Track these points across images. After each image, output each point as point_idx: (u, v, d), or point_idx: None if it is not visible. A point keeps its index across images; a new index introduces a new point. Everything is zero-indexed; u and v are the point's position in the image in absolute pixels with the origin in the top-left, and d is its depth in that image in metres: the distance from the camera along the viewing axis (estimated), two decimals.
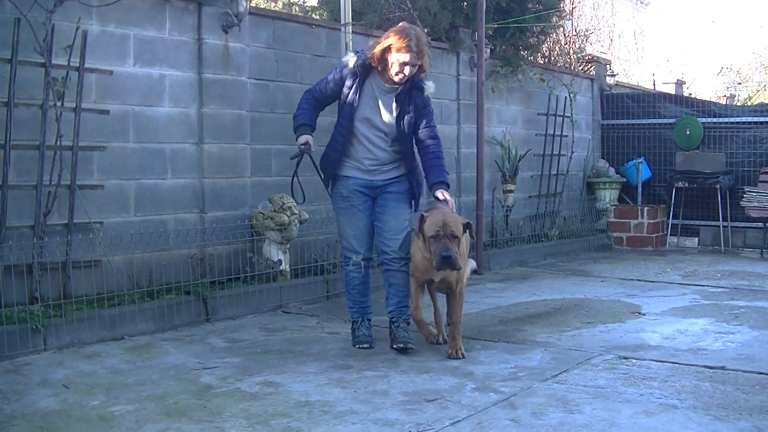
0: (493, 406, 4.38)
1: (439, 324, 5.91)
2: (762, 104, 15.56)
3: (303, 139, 5.68)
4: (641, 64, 22.41)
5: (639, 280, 8.92)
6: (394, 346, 5.53)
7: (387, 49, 5.42)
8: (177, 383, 4.84)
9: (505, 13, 10.62)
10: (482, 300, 7.61)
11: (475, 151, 9.61)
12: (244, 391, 4.67)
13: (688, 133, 12.35)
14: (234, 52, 7.36)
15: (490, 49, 10.30)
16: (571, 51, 13.71)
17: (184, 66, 7.01)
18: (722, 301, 7.54)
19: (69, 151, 6.12)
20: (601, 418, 4.15)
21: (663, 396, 4.53)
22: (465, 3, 10.24)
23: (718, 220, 11.78)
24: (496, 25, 10.47)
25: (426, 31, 9.52)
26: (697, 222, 12.21)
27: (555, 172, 11.87)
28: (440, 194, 5.52)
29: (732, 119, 12.20)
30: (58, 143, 5.97)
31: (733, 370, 5.08)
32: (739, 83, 25.45)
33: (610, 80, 13.53)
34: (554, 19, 11.86)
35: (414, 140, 5.68)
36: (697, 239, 12.20)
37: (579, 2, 15.81)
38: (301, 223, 7.46)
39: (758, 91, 24.46)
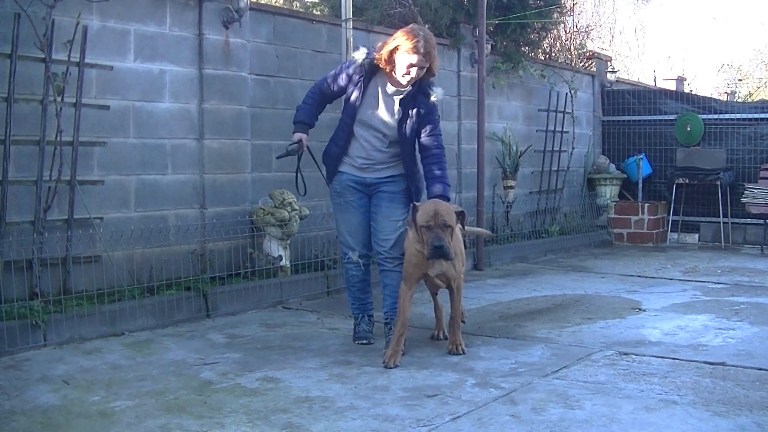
0: (494, 402, 4.38)
1: (440, 319, 5.88)
2: (763, 101, 15.51)
3: (296, 137, 5.66)
4: (642, 61, 22.38)
5: (639, 276, 8.92)
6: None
7: (395, 50, 5.29)
8: (177, 379, 4.84)
9: (506, 9, 10.62)
10: (482, 296, 7.61)
11: (476, 147, 9.61)
12: (245, 387, 4.67)
13: (688, 129, 12.34)
14: (234, 47, 7.35)
15: (491, 45, 10.30)
16: (572, 47, 13.70)
17: (184, 61, 7.00)
18: (722, 297, 7.54)
19: (69, 146, 6.11)
20: (602, 414, 4.16)
21: (663, 392, 4.53)
22: None
23: (719, 217, 11.78)
24: (497, 21, 10.47)
25: (427, 27, 9.51)
26: (697, 218, 12.21)
27: (556, 168, 11.86)
28: None
29: (733, 116, 12.19)
30: (59, 138, 5.97)
31: (733, 366, 5.08)
32: (740, 80, 25.41)
33: (610, 76, 13.51)
34: (555, 15, 11.87)
35: (418, 145, 5.57)
36: (697, 235, 12.20)
37: None
38: (301, 219, 7.45)
39: (759, 87, 24.42)
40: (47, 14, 5.84)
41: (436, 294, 5.81)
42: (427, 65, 5.33)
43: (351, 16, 8.25)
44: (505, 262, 9.94)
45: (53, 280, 6.04)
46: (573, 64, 13.11)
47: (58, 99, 5.96)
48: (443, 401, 4.40)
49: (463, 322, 5.79)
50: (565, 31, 13.85)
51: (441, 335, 5.79)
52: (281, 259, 7.34)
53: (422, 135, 5.50)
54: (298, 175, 5.79)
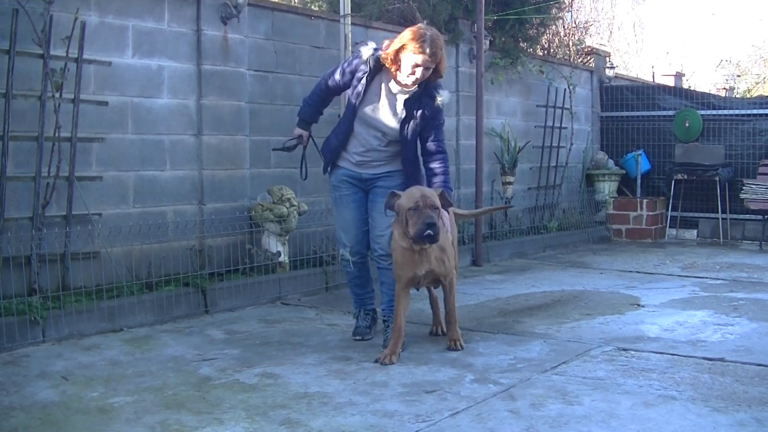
0: (493, 398, 4.38)
1: (437, 314, 5.85)
2: (761, 96, 15.53)
3: (296, 132, 5.78)
4: (640, 57, 22.39)
5: (638, 272, 8.92)
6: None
7: (400, 49, 5.18)
8: (176, 375, 4.84)
9: (505, 5, 10.61)
10: (481, 292, 7.61)
11: (475, 143, 9.61)
12: (243, 383, 4.67)
13: (687, 125, 12.34)
14: (233, 43, 7.34)
15: (490, 40, 10.28)
16: (571, 43, 13.72)
17: (183, 57, 6.99)
18: (721, 293, 7.54)
19: (67, 142, 6.10)
20: (600, 410, 4.16)
21: (662, 387, 4.54)
22: None
23: (717, 213, 11.78)
24: (495, 17, 10.46)
25: (425, 22, 9.49)
26: (696, 214, 12.21)
27: (554, 164, 11.86)
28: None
29: (731, 111, 12.19)
30: (57, 134, 5.96)
31: (732, 361, 5.08)
32: (739, 76, 25.39)
33: (609, 72, 13.51)
34: (554, 10, 11.86)
35: (420, 149, 5.51)
36: (696, 231, 12.20)
37: None
38: (300, 215, 7.45)
39: (757, 83, 24.41)
40: (45, 10, 5.82)
41: (434, 288, 5.79)
42: (433, 66, 5.23)
43: (349, 12, 8.24)
44: (504, 258, 9.94)
45: (52, 276, 6.03)
46: (571, 59, 13.11)
47: (57, 95, 5.95)
48: (442, 397, 4.40)
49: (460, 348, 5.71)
50: (564, 27, 13.86)
51: (439, 331, 5.78)
52: (280, 255, 7.34)
53: (426, 139, 5.43)
54: (303, 161, 5.88)
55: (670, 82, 16.09)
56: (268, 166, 7.76)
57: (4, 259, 5.67)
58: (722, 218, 11.75)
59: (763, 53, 25.35)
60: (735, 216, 11.78)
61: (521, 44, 11.35)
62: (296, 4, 10.74)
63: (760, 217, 11.28)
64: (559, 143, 11.89)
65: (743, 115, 12.06)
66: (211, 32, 7.16)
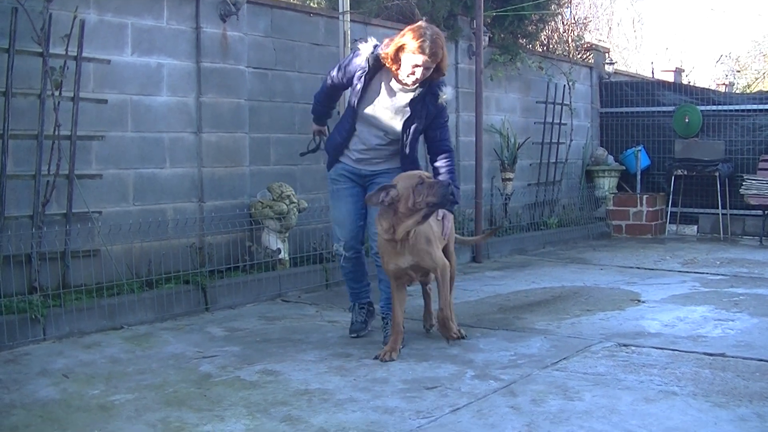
0: (493, 394, 4.38)
1: (427, 305, 5.79)
2: (761, 92, 15.51)
3: (315, 128, 5.88)
4: (640, 52, 22.38)
5: (638, 267, 8.92)
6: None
7: (400, 48, 5.09)
8: (176, 372, 4.84)
9: (504, 1, 10.60)
10: (481, 288, 7.61)
11: (474, 139, 9.61)
12: (244, 380, 4.67)
13: (687, 120, 12.34)
14: (232, 40, 7.34)
15: (489, 37, 10.28)
16: (570, 39, 13.70)
17: (182, 55, 6.99)
18: (722, 288, 7.54)
19: (67, 140, 6.10)
20: (601, 405, 4.16)
21: (663, 383, 4.54)
22: None
23: (717, 208, 11.78)
24: (494, 13, 10.45)
25: (425, 18, 9.47)
26: (696, 210, 12.21)
27: (554, 161, 11.86)
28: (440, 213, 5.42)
29: (731, 107, 12.19)
30: (57, 133, 5.96)
31: (732, 356, 5.08)
32: (738, 71, 25.38)
33: (608, 68, 13.50)
34: (553, 7, 11.85)
35: (427, 147, 5.48)
36: (696, 227, 12.20)
37: None
38: (299, 212, 7.45)
39: (757, 78, 24.40)
40: (44, 8, 5.82)
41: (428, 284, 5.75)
42: (434, 66, 5.14)
43: (348, 9, 8.23)
44: (504, 254, 9.94)
45: (52, 274, 6.03)
46: (571, 55, 13.10)
47: (56, 93, 5.95)
48: (443, 393, 4.40)
49: (463, 337, 5.63)
50: (563, 23, 13.84)
51: (428, 326, 5.74)
52: (280, 252, 7.34)
53: (432, 138, 5.39)
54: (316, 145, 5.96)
55: (670, 77, 16.06)
56: (267, 163, 7.76)
57: (4, 257, 5.66)
58: (722, 214, 11.74)
59: (763, 48, 25.34)
60: (735, 211, 11.78)
61: (520, 40, 11.33)
62: (295, 1, 10.73)
63: (760, 212, 11.28)
64: (558, 139, 11.89)
65: (743, 111, 12.06)
66: (210, 30, 7.15)
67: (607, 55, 13.87)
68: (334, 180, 5.58)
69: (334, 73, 5.48)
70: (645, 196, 11.97)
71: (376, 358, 5.08)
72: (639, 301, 6.99)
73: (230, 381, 4.66)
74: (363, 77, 5.27)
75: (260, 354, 5.24)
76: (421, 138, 5.47)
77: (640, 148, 12.52)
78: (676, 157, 12.18)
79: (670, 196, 12.11)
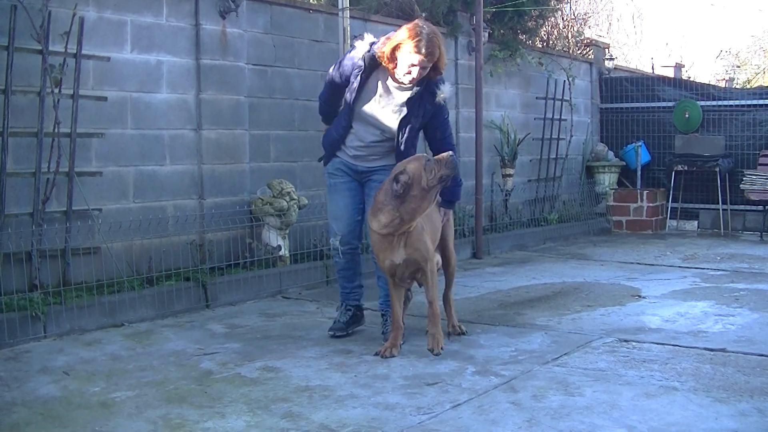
0: (494, 390, 4.38)
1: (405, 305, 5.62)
2: (761, 87, 15.52)
3: (325, 128, 5.72)
4: (640, 48, 22.39)
5: (639, 263, 8.92)
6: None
7: (397, 47, 5.05)
8: (177, 369, 4.84)
9: None
10: (482, 284, 7.61)
11: (474, 135, 9.60)
12: (245, 377, 4.67)
13: (687, 116, 12.34)
14: (231, 37, 7.33)
15: (489, 33, 10.28)
16: (570, 35, 13.70)
17: (181, 52, 6.98)
18: (722, 283, 7.54)
19: (67, 138, 6.10)
20: (602, 401, 4.16)
21: (663, 378, 4.54)
22: None
23: (718, 204, 11.78)
24: (494, 9, 10.44)
25: (424, 15, 9.49)
26: (696, 205, 12.21)
27: (554, 156, 11.86)
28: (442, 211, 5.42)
29: (731, 102, 12.19)
30: (56, 130, 5.96)
31: (733, 352, 5.08)
32: (738, 66, 25.38)
33: (608, 64, 13.50)
34: (552, 2, 11.85)
35: (429, 145, 5.46)
36: (696, 222, 12.20)
37: None
38: (300, 209, 7.45)
39: (757, 74, 24.40)
40: (44, 6, 5.82)
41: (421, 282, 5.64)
42: (431, 65, 5.11)
43: (348, 5, 8.22)
44: (504, 250, 9.93)
45: (52, 271, 6.03)
46: (571, 51, 13.10)
47: (56, 90, 5.95)
48: (443, 389, 4.40)
49: (464, 333, 5.62)
50: (563, 19, 13.84)
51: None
52: (280, 249, 7.34)
53: (434, 137, 5.38)
54: None
55: (670, 73, 16.07)
56: (267, 160, 7.76)
57: (4, 255, 5.66)
58: (723, 209, 11.74)
59: (763, 44, 25.34)
60: (735, 207, 11.78)
61: (520, 36, 11.33)
62: None
63: (760, 207, 11.28)
64: (558, 135, 11.88)
65: (743, 106, 12.06)
66: (209, 26, 7.15)
67: (606, 50, 13.87)
68: (332, 174, 5.55)
69: (332, 71, 5.45)
70: (645, 192, 11.96)
71: (376, 354, 5.08)
72: (639, 296, 6.98)
73: (231, 378, 4.66)
74: (359, 75, 5.23)
75: (261, 351, 5.24)
76: (422, 134, 5.46)
77: (640, 143, 12.51)
78: (677, 153, 12.17)
79: (671, 192, 12.11)
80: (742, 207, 11.73)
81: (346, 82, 5.35)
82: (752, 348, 5.17)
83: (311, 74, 8.03)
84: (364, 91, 5.29)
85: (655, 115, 12.80)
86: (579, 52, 13.36)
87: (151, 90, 6.76)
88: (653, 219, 11.90)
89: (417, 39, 4.98)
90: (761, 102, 11.96)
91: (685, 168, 11.93)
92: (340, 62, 5.40)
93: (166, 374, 4.73)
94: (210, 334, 5.76)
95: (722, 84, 17.93)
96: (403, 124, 5.27)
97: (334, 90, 5.51)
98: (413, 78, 5.11)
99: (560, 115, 11.88)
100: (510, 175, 10.74)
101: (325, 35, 8.34)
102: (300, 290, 7.25)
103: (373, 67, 5.23)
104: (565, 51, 12.93)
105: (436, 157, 5.04)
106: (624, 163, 12.72)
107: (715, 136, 12.10)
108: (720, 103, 12.25)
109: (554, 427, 3.80)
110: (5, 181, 5.75)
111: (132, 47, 6.61)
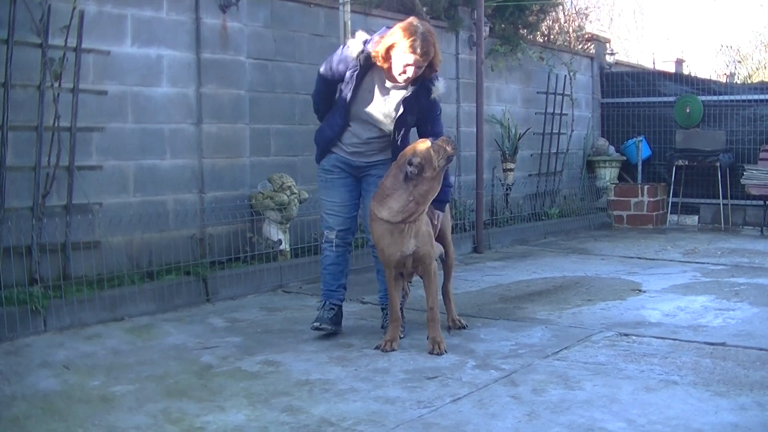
0: (494, 383, 4.38)
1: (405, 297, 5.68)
2: (762, 82, 15.51)
3: None
4: (641, 43, 22.36)
5: (639, 257, 8.92)
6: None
7: (391, 47, 5.02)
8: (178, 363, 4.84)
9: None
10: (482, 278, 7.61)
11: (475, 130, 9.60)
12: (245, 371, 4.68)
13: (688, 111, 12.32)
14: (232, 31, 7.33)
15: (489, 27, 10.26)
16: (571, 29, 13.67)
17: (182, 46, 6.98)
18: (722, 278, 7.54)
19: (67, 132, 6.09)
20: (602, 395, 4.16)
21: (664, 372, 4.54)
22: None
23: (718, 198, 11.76)
24: (495, 4, 10.43)
25: (425, 9, 9.48)
26: (697, 200, 12.19)
27: (555, 151, 11.85)
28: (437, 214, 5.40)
29: (732, 97, 12.17)
30: (56, 124, 5.95)
31: (733, 346, 5.08)
32: (739, 61, 25.35)
33: (609, 59, 13.49)
34: None
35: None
36: (697, 217, 12.18)
37: None
38: (300, 203, 7.45)
39: (758, 69, 24.37)
40: None
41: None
42: (426, 64, 5.09)
43: (348, 0, 8.21)
44: (505, 244, 9.93)
45: (53, 266, 6.03)
46: (572, 46, 13.07)
47: (56, 84, 5.94)
48: (444, 383, 4.40)
49: (464, 327, 5.65)
50: (564, 14, 13.81)
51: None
52: (281, 243, 7.34)
53: (424, 133, 5.34)
54: None
55: (671, 68, 16.03)
56: (268, 154, 7.76)
57: (4, 249, 5.65)
58: (723, 204, 11.73)
59: (764, 39, 25.31)
60: (736, 201, 11.77)
61: (521, 31, 11.32)
62: None
63: (761, 202, 11.26)
64: (559, 130, 11.87)
65: (744, 101, 12.04)
66: (209, 20, 7.14)
67: (608, 45, 13.85)
68: (328, 171, 5.50)
69: (323, 69, 5.41)
70: (646, 187, 11.95)
71: (377, 348, 5.08)
72: (640, 290, 6.99)
73: (231, 372, 4.66)
74: (354, 76, 5.20)
75: (261, 345, 5.24)
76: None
77: (641, 138, 12.50)
78: (677, 148, 12.16)
79: (671, 187, 12.10)
80: (742, 202, 11.71)
81: (339, 78, 5.32)
82: (752, 342, 5.17)
83: (312, 68, 7.98)
84: (361, 92, 5.26)
85: (656, 109, 12.78)
86: (580, 47, 13.34)
87: (151, 84, 6.75)
88: (654, 214, 11.89)
89: (412, 39, 4.96)
90: (762, 97, 11.94)
91: (686, 163, 11.91)
92: (333, 61, 5.34)
93: (166, 368, 4.73)
94: (210, 328, 5.76)
95: (723, 79, 17.88)
96: (399, 121, 5.26)
97: (327, 88, 5.49)
98: (408, 77, 5.10)
99: (561, 110, 11.86)
100: (511, 170, 10.74)
101: (325, 29, 8.33)
102: (300, 284, 7.25)
103: (368, 66, 5.20)
104: (566, 46, 12.91)
105: (436, 140, 5.06)
106: (625, 158, 12.71)
107: (715, 131, 12.08)
108: (721, 98, 12.22)
109: (554, 421, 3.81)
110: (5, 175, 5.75)
111: (132, 41, 6.61)
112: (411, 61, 5.00)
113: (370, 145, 5.41)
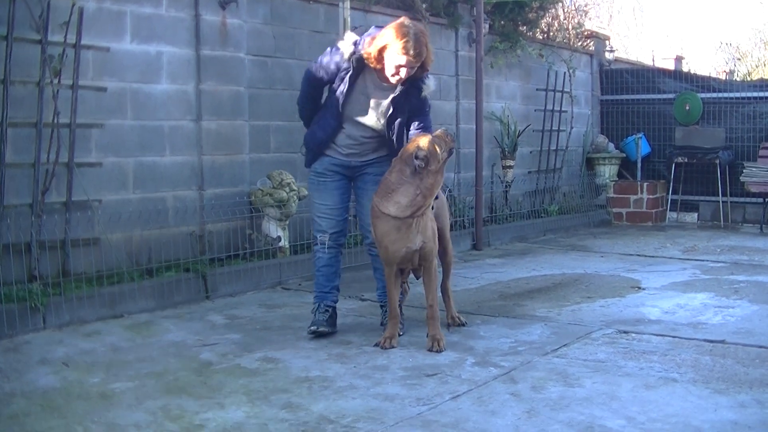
0: (494, 381, 4.38)
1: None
2: (762, 79, 15.51)
3: None
4: (640, 40, 22.35)
5: (639, 255, 8.92)
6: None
7: (383, 48, 5.01)
8: (177, 360, 4.84)
9: None
10: (482, 275, 7.61)
11: (474, 126, 9.59)
12: (244, 368, 4.68)
13: (687, 108, 12.31)
14: (231, 28, 7.32)
15: (489, 24, 10.26)
16: (570, 26, 13.66)
17: (181, 43, 6.97)
18: (722, 275, 7.54)
19: (66, 128, 6.09)
20: (602, 392, 4.16)
21: (663, 370, 4.54)
22: None
23: (718, 196, 11.76)
24: (494, 1, 10.41)
25: (425, 6, 9.47)
26: (696, 197, 12.19)
27: (554, 148, 11.84)
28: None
29: (731, 94, 12.16)
30: (56, 121, 5.94)
31: (732, 343, 5.08)
32: (739, 59, 25.35)
33: (609, 56, 13.48)
34: None
35: (408, 133, 5.40)
36: (696, 214, 12.18)
37: None
38: (300, 200, 7.44)
39: (757, 66, 24.37)
40: None
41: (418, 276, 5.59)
42: (418, 65, 5.07)
43: None
44: (504, 241, 9.93)
45: (52, 262, 6.02)
46: (571, 43, 13.07)
47: (55, 81, 5.94)
48: (443, 380, 4.40)
49: (463, 324, 5.66)
50: (564, 11, 13.80)
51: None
52: (280, 240, 7.34)
53: (413, 125, 5.33)
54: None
55: (670, 65, 16.04)
56: (267, 151, 7.75)
57: (4, 246, 5.65)
58: (723, 201, 11.73)
59: (764, 36, 25.31)
60: (735, 199, 11.76)
61: (521, 28, 11.30)
62: None
63: (760, 199, 11.26)
64: (559, 127, 11.87)
65: (743, 98, 12.03)
66: (209, 17, 7.13)
67: (607, 42, 13.84)
68: (320, 174, 5.46)
69: (314, 69, 5.35)
70: (645, 184, 11.95)
71: (376, 345, 5.08)
72: (639, 288, 6.99)
73: (231, 369, 4.66)
74: (347, 78, 5.18)
75: (260, 342, 5.24)
76: None
77: (640, 135, 12.50)
78: (677, 145, 12.16)
79: (671, 184, 12.09)
80: (742, 199, 11.70)
81: (330, 81, 5.30)
82: (751, 339, 5.17)
83: None
84: (353, 94, 5.25)
85: (656, 107, 12.77)
86: (579, 43, 13.33)
87: (150, 81, 6.75)
88: (653, 211, 11.89)
89: (404, 40, 4.95)
90: (761, 94, 11.93)
91: (686, 160, 11.91)
92: (321, 61, 5.32)
93: (165, 365, 4.73)
94: (210, 325, 5.76)
95: (723, 76, 17.90)
96: (391, 121, 5.27)
97: (315, 92, 5.46)
98: (401, 78, 5.09)
99: (561, 107, 11.86)
100: (510, 167, 10.73)
101: (325, 26, 8.32)
102: (300, 281, 7.25)
103: (360, 68, 5.19)
104: (565, 43, 12.90)
105: (434, 133, 5.13)
106: (624, 155, 12.70)
107: (715, 128, 12.08)
108: (720, 95, 12.22)
109: (554, 418, 3.81)
110: (4, 171, 5.74)
111: (132, 38, 6.60)
112: (404, 63, 5.00)
113: (366, 145, 5.41)
